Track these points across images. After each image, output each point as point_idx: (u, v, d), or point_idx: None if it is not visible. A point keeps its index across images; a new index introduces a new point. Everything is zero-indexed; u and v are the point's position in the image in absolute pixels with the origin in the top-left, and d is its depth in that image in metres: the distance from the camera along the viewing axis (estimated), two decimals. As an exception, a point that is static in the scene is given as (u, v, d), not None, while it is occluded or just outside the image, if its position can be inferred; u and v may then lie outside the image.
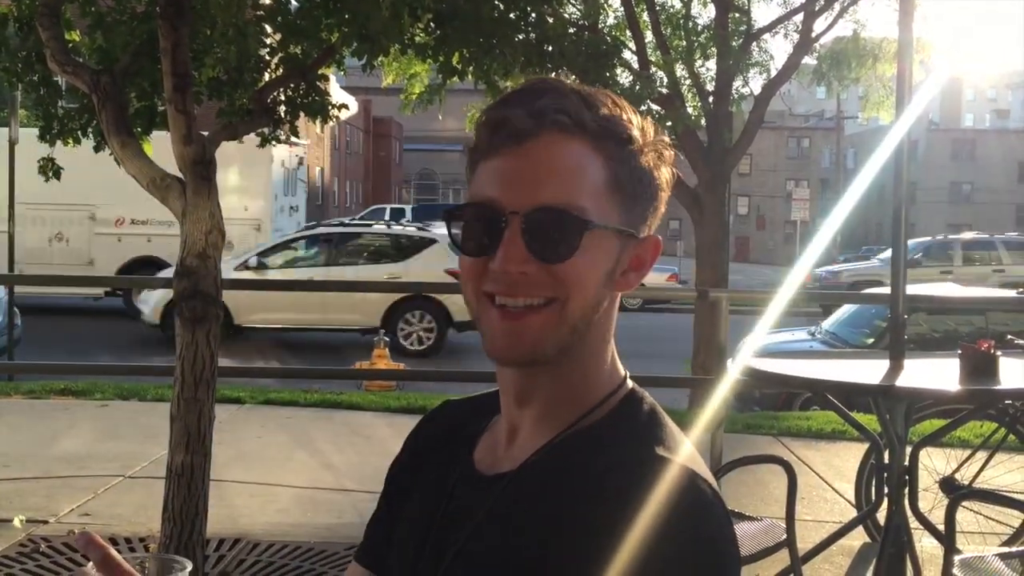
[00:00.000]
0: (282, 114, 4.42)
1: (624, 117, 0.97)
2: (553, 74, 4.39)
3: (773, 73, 11.37)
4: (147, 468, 5.26)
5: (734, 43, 10.67)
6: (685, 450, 0.94)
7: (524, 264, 0.92)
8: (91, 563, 0.86)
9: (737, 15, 10.90)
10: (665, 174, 0.99)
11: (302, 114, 4.49)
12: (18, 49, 4.38)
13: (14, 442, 5.80)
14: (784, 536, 2.96)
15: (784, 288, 5.27)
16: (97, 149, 4.52)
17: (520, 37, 4.33)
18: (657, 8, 10.70)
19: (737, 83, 11.19)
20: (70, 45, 4.06)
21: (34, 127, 4.81)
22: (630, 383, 1.02)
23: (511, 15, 4.18)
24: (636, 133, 0.97)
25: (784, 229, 51.59)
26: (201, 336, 3.60)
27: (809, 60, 12.30)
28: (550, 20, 4.50)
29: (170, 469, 3.51)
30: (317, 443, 6.22)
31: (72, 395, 7.34)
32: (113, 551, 0.85)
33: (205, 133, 3.76)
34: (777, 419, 7.20)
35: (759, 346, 8.51)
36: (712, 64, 11.21)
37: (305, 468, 5.61)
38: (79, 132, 4.50)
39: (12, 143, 10.58)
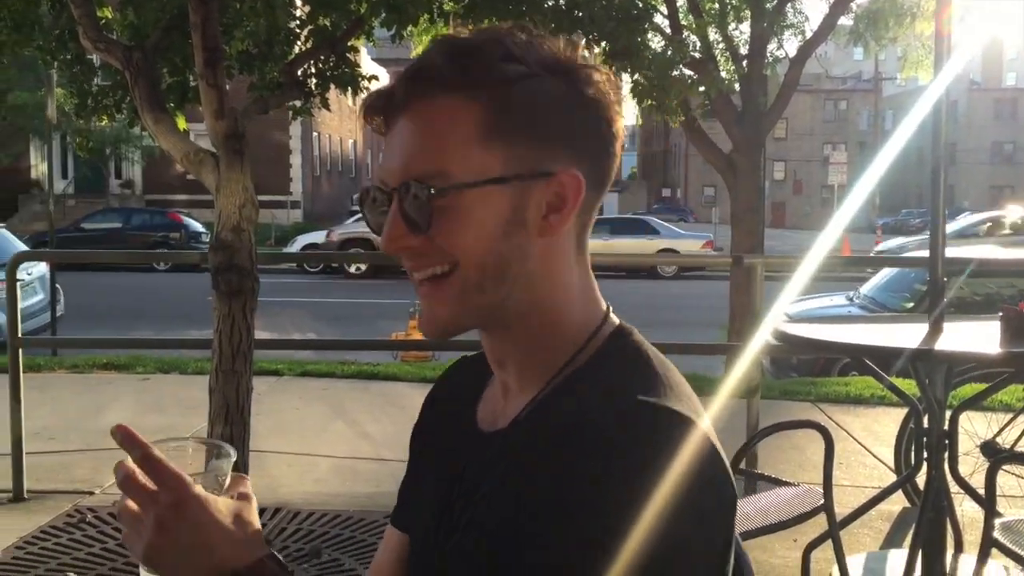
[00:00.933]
0: (313, 87, 4.43)
1: (516, 52, 0.91)
2: (584, 40, 4.32)
3: (808, 34, 11.20)
4: (189, 440, 5.34)
5: (768, 5, 10.51)
6: (672, 390, 0.91)
7: (403, 240, 0.90)
8: (130, 460, 0.84)
9: (771, -24, 10.70)
10: (593, 95, 0.92)
11: (332, 86, 4.50)
12: (51, 27, 4.43)
13: (60, 416, 5.92)
14: (821, 501, 2.95)
15: (819, 253, 5.20)
16: (131, 125, 4.56)
17: (549, 3, 4.29)
18: (689, -30, 10.54)
19: (771, 46, 11.04)
20: (102, 22, 4.09)
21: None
22: (615, 319, 0.99)
23: (539, -19, 4.15)
24: (531, 66, 0.91)
25: (821, 193, 50.95)
26: (237, 309, 3.64)
27: (845, 20, 12.06)
28: (579, -15, 4.45)
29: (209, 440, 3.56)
30: (354, 413, 6.28)
31: (115, 369, 7.47)
32: (153, 448, 0.84)
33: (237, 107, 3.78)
34: (815, 385, 7.16)
35: (796, 311, 8.45)
36: (746, 27, 11.05)
37: (343, 438, 5.67)
38: (113, 108, 4.55)
39: (49, 122, 10.71)
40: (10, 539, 3.82)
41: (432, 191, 0.88)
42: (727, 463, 0.88)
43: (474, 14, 4.17)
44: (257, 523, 0.88)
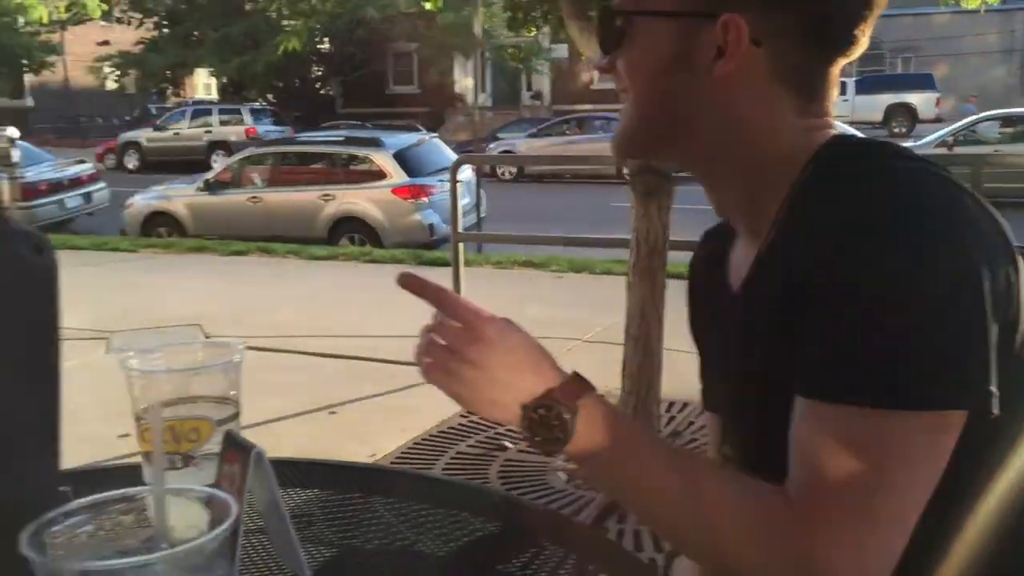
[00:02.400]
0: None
1: None
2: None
3: None
4: (600, 334, 5.69)
5: None
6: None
7: (599, 60, 0.98)
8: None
9: None
10: None
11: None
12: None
13: (488, 305, 6.53)
14: None
15: None
16: (556, 36, 4.83)
17: None
18: None
19: None
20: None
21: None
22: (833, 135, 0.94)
23: None
24: None
25: None
26: (653, 208, 3.77)
27: None
28: None
29: (628, 332, 3.78)
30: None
31: (532, 267, 8.12)
32: (441, 287, 0.88)
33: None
34: None
35: None
36: None
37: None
38: (540, 20, 4.84)
39: (477, 40, 11.66)
40: (447, 414, 4.37)
41: (617, 15, 0.94)
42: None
43: None
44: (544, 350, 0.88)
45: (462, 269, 5.12)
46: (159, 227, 11.62)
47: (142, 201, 11.96)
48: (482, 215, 11.42)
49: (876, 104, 28.42)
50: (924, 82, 30.20)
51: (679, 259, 7.97)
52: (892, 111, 28.58)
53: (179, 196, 11.82)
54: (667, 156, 1.02)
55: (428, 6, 5.44)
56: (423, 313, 0.87)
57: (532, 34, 5.15)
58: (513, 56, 9.85)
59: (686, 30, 0.91)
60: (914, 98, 28.85)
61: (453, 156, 11.93)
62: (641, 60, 0.95)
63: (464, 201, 11.50)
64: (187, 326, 5.35)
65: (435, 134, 13.08)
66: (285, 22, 24.05)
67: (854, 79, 30.71)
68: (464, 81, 31.25)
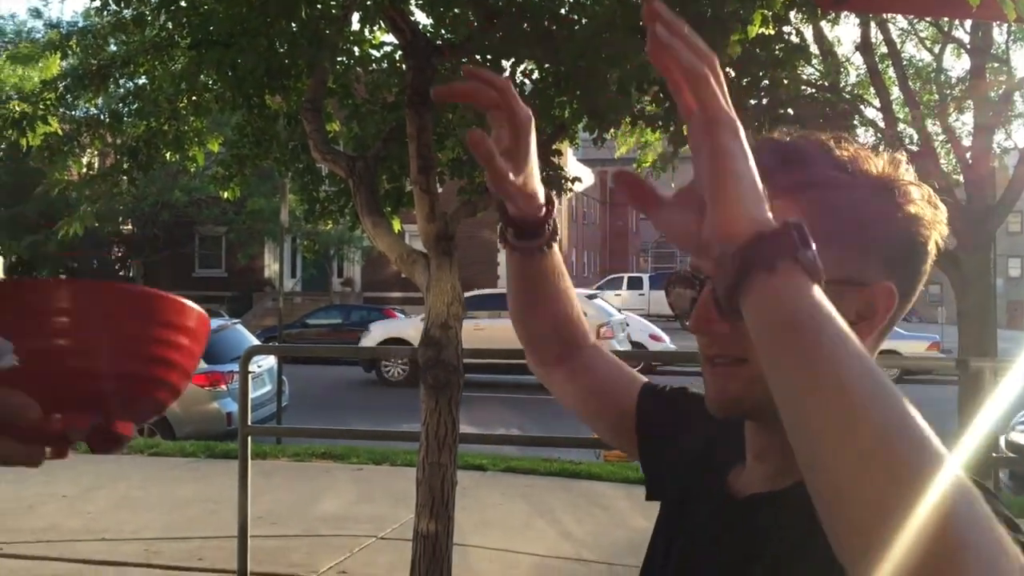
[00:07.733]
0: (519, 189, 4.58)
1: (839, 157, 0.92)
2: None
3: (1040, 123, 10.50)
4: (397, 530, 5.50)
5: (993, 94, 9.98)
6: None
7: (711, 324, 0.88)
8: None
9: (995, 64, 10.20)
10: (914, 211, 0.91)
11: (538, 189, 4.64)
12: (286, 141, 4.86)
13: (281, 501, 6.26)
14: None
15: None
16: (352, 228, 4.89)
17: (752, 102, 4.28)
18: (904, 63, 10.23)
19: (999, 137, 10.43)
20: (330, 135, 4.45)
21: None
22: None
23: (743, 81, 4.15)
24: (853, 175, 0.91)
25: (1065, 291, 46.79)
26: (444, 403, 3.76)
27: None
28: (785, 83, 4.41)
29: (416, 531, 3.66)
30: (556, 512, 6.26)
31: (332, 459, 7.85)
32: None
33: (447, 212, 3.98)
34: (1059, 502, 6.47)
35: (1034, 420, 7.72)
36: (968, 118, 10.54)
37: (544, 537, 5.65)
38: (337, 213, 4.90)
39: (283, 226, 11.69)
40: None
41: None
42: None
43: (676, 115, 4.22)
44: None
45: (250, 464, 4.87)
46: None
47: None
48: (284, 403, 11.09)
49: (669, 299, 30.14)
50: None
51: (474, 450, 7.88)
52: (684, 306, 30.43)
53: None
54: (766, 414, 0.88)
55: (227, 195, 5.42)
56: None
57: (329, 227, 5.19)
58: (307, 248, 10.33)
59: (828, 295, 0.77)
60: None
61: (254, 342, 11.64)
62: None
63: (265, 389, 11.21)
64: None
65: (238, 320, 12.78)
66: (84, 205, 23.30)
67: (648, 275, 32.72)
68: (273, 266, 31.01)
